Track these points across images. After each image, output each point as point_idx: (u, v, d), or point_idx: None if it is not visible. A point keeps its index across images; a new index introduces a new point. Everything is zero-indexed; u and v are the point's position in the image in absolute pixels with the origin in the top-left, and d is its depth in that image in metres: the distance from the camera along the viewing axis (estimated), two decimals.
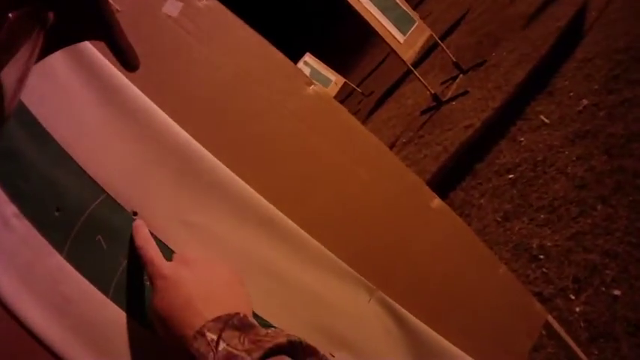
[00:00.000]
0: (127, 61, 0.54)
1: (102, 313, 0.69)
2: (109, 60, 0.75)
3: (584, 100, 3.43)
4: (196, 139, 0.76)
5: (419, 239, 0.91)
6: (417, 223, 0.91)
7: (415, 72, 5.53)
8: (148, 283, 0.70)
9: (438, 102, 5.79)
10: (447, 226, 0.95)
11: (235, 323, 0.58)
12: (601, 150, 2.90)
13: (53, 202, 0.71)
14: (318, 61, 9.29)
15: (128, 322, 0.70)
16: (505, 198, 3.27)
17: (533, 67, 4.60)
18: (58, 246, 0.70)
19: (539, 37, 5.01)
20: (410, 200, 0.91)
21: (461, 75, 6.01)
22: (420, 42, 5.56)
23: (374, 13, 5.18)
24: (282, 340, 0.55)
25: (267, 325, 0.73)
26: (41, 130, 0.73)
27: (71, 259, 0.70)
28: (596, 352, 2.02)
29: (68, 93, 0.75)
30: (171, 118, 0.76)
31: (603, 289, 2.20)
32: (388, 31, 5.25)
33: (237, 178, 0.77)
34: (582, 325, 2.15)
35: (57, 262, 0.69)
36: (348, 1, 5.01)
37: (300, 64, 8.98)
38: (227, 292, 0.66)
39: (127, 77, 0.75)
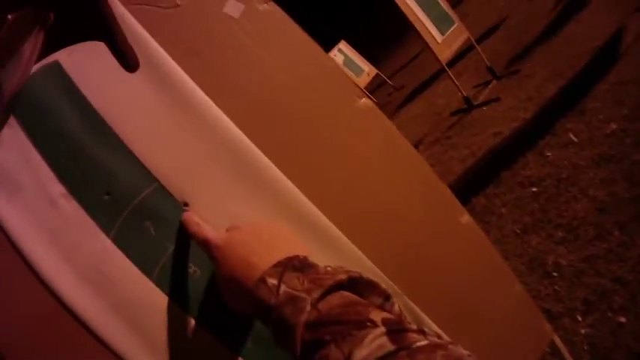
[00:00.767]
0: (127, 61, 0.56)
1: (143, 295, 0.71)
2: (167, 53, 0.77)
3: (612, 124, 3.40)
4: (249, 138, 0.79)
5: (446, 251, 0.95)
6: (446, 236, 0.95)
7: (450, 73, 5.45)
8: (193, 270, 0.74)
9: (469, 105, 5.71)
10: (473, 241, 0.99)
11: (295, 264, 0.59)
12: (624, 176, 2.90)
13: (103, 185, 0.72)
14: (352, 49, 9.24)
15: (169, 305, 0.72)
16: (526, 210, 3.25)
17: (566, 84, 4.54)
18: (106, 228, 0.71)
19: (574, 54, 4.93)
20: (442, 214, 0.96)
21: (494, 81, 5.94)
22: (457, 44, 5.47)
23: (414, 10, 5.09)
24: (342, 276, 0.56)
25: None
26: (94, 114, 0.74)
27: (118, 241, 0.71)
28: None
29: (124, 80, 0.75)
30: (226, 115, 0.78)
31: (610, 314, 2.21)
32: (427, 29, 5.15)
33: (286, 180, 0.80)
34: (586, 347, 2.16)
35: (103, 243, 0.71)
36: None
37: (334, 52, 8.90)
38: (281, 241, 0.67)
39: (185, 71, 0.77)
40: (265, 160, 0.79)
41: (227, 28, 0.82)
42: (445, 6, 5.50)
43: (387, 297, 0.57)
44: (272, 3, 0.85)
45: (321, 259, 0.77)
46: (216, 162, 0.77)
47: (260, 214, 0.78)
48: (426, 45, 5.23)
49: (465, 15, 6.05)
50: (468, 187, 3.95)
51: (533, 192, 3.40)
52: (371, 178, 0.89)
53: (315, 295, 0.53)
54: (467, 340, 0.93)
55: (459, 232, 0.97)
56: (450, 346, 0.45)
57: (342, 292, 0.55)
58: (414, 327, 0.48)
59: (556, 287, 2.51)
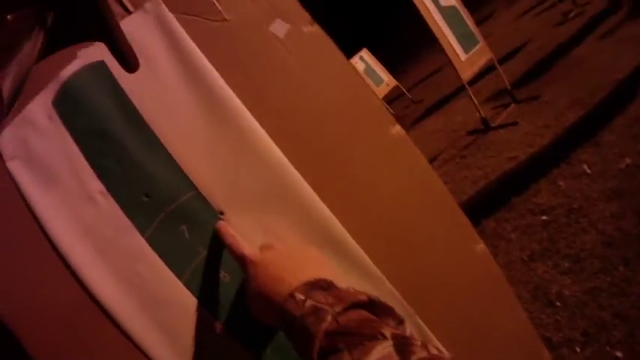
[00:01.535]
0: (126, 62, 0.56)
1: (173, 295, 0.74)
2: (210, 65, 0.79)
3: (627, 159, 3.42)
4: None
5: (458, 277, 0.98)
6: (460, 263, 0.98)
7: (470, 91, 5.45)
8: (223, 276, 0.77)
9: (486, 126, 5.73)
10: (485, 270, 1.02)
11: (322, 284, 0.64)
12: (634, 212, 2.91)
13: (143, 187, 0.74)
14: (374, 58, 9.25)
15: (198, 308, 0.75)
16: (535, 238, 3.25)
17: (585, 114, 4.54)
18: (142, 228, 0.74)
19: (596, 85, 4.93)
20: (459, 241, 0.99)
21: (513, 104, 5.95)
22: (480, 63, 5.47)
23: (440, 25, 5.12)
24: (362, 297, 0.61)
25: None
26: (138, 118, 0.77)
27: (152, 242, 0.74)
28: None
29: (170, 88, 0.78)
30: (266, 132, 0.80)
31: (608, 348, 2.23)
32: (451, 45, 5.17)
33: (319, 201, 0.82)
34: None
35: (137, 242, 0.73)
36: (417, 7, 4.94)
37: (356, 59, 8.89)
38: (311, 263, 0.72)
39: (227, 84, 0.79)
40: (301, 180, 0.82)
41: (271, 47, 0.84)
42: (471, 24, 5.52)
43: (400, 321, 0.62)
44: (317, 26, 0.88)
45: (345, 278, 0.80)
46: (254, 176, 0.79)
47: (291, 230, 0.81)
48: (449, 61, 5.23)
49: (488, 34, 6.00)
50: (478, 209, 3.95)
51: (543, 220, 3.41)
52: (396, 204, 0.92)
53: (337, 309, 0.58)
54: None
55: (473, 260, 1.00)
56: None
57: (360, 310, 0.60)
58: (419, 342, 0.53)
59: (558, 317, 2.53)
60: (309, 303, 0.60)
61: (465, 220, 1.01)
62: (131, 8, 0.79)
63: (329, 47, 0.90)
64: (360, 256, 0.86)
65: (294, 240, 0.81)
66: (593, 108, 4.58)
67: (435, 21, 5.09)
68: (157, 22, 0.78)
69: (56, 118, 0.74)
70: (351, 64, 0.92)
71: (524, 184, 3.98)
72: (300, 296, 0.61)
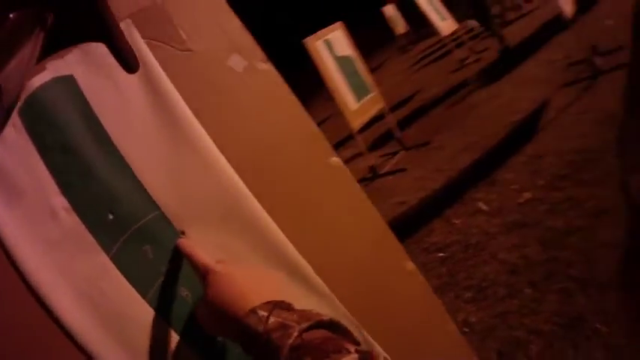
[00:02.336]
0: (126, 62, 0.58)
1: (135, 311, 0.73)
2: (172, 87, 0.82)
3: (526, 194, 3.53)
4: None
5: (393, 295, 1.06)
6: (395, 281, 1.07)
7: (358, 140, 5.51)
8: (184, 294, 0.78)
9: (374, 174, 5.83)
10: (416, 286, 1.10)
11: (283, 306, 0.66)
12: (537, 241, 2.99)
13: (107, 205, 0.73)
14: None
15: (160, 324, 0.74)
16: (433, 274, 3.32)
17: (479, 157, 4.68)
18: (106, 247, 0.72)
19: (491, 130, 5.08)
20: (392, 260, 1.08)
21: (402, 151, 6.09)
22: (371, 112, 5.50)
23: (333, 73, 5.12)
24: (325, 317, 0.63)
25: None
26: (105, 135, 0.77)
27: (116, 261, 0.72)
28: None
29: (136, 108, 0.80)
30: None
31: None
32: (342, 95, 5.17)
33: (273, 222, 0.85)
34: None
35: (102, 260, 0.72)
36: (311, 54, 4.96)
37: None
38: (273, 285, 0.74)
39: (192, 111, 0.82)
40: (256, 204, 0.85)
41: (228, 80, 0.91)
42: (365, 75, 5.57)
43: (357, 343, 0.63)
44: (270, 64, 0.95)
45: (303, 302, 0.81)
46: (212, 198, 0.82)
47: (250, 253, 0.84)
48: (339, 110, 5.21)
49: (379, 82, 6.11)
50: None
51: (440, 257, 3.46)
52: (335, 227, 0.99)
53: (304, 325, 0.60)
54: None
55: (403, 278, 1.09)
56: None
57: (322, 330, 0.63)
58: (382, 358, 0.58)
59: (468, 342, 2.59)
60: (273, 320, 0.62)
61: (395, 241, 1.09)
62: (191, 47, 0.86)
63: (279, 84, 0.97)
64: (313, 278, 0.89)
65: (255, 261, 0.84)
66: (488, 149, 4.74)
67: (327, 67, 5.10)
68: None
69: (20, 127, 0.72)
70: (297, 100, 0.99)
71: (415, 226, 4.03)
72: (262, 313, 0.63)
